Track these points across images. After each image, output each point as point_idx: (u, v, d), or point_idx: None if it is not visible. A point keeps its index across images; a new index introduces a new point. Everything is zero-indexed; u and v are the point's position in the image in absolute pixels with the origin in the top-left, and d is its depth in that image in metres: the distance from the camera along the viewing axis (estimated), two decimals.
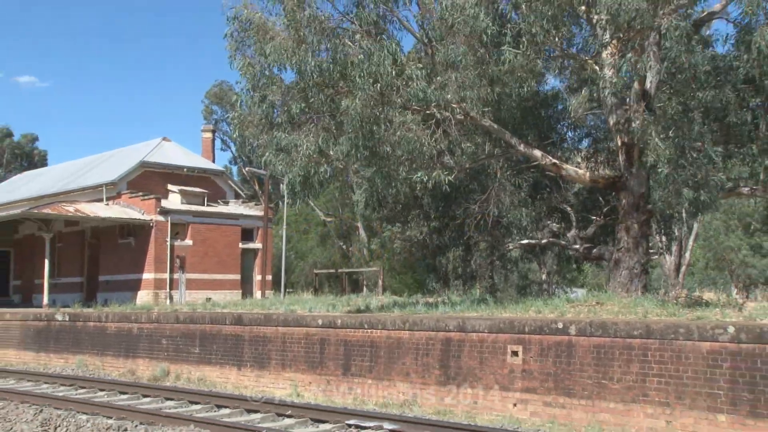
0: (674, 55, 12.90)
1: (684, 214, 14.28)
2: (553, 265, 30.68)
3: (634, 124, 14.54)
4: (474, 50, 14.89)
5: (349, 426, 11.80)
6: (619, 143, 16.70)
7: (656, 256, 31.85)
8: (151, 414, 12.77)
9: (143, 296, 31.54)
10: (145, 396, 15.68)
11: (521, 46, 15.12)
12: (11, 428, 10.63)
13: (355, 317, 15.60)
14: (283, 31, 15.44)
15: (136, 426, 10.98)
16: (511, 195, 19.25)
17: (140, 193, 33.22)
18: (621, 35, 14.41)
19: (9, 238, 37.52)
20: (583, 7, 15.16)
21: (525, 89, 15.94)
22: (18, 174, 57.07)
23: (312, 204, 46.87)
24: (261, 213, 35.43)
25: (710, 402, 10.61)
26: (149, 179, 34.97)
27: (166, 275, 32.17)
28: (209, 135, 42.97)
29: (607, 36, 15.23)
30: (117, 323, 21.43)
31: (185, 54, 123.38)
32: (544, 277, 31.14)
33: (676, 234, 32.03)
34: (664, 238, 30.79)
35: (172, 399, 15.15)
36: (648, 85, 15.09)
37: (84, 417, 11.88)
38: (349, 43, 15.39)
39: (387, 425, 11.51)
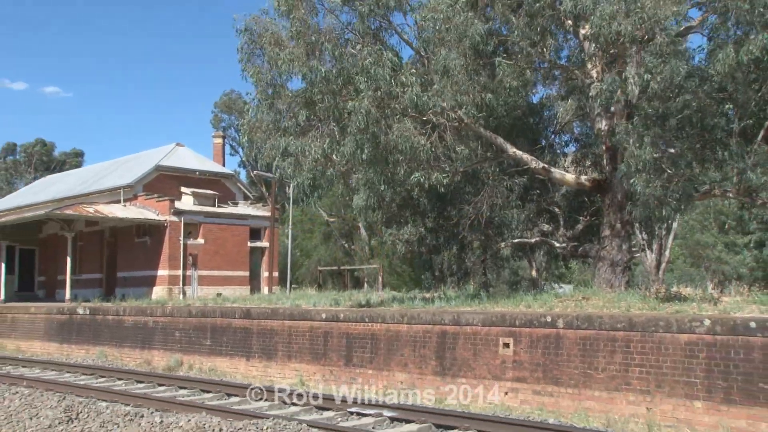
0: (652, 67, 12.99)
1: (662, 214, 14.28)
2: (542, 262, 30.64)
3: (617, 131, 14.57)
4: (466, 60, 14.90)
5: (351, 414, 11.83)
6: (604, 148, 16.75)
7: (638, 254, 31.89)
8: (166, 401, 12.81)
9: (158, 291, 31.54)
10: (160, 385, 15.71)
11: (512, 57, 15.16)
12: (37, 413, 10.65)
13: (356, 311, 15.61)
14: (291, 41, 15.40)
15: (152, 413, 10.99)
16: (503, 197, 19.28)
17: (155, 195, 33.22)
18: (605, 49, 14.46)
19: (34, 238, 37.57)
20: (570, 21, 15.19)
21: (515, 98, 15.95)
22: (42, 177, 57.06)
23: (316, 205, 46.84)
24: (268, 214, 35.41)
25: (687, 390, 10.64)
26: (164, 182, 34.96)
27: (180, 272, 32.16)
28: (219, 141, 43.00)
29: (593, 48, 15.26)
30: (134, 317, 21.44)
31: (197, 67, 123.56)
32: (533, 273, 31.09)
33: (657, 233, 32.04)
34: (645, 236, 30.86)
35: (185, 388, 15.17)
36: (630, 94, 15.12)
37: (104, 404, 11.89)
38: (353, 51, 15.38)
39: (386, 413, 11.52)
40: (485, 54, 15.50)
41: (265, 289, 34.44)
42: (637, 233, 26.79)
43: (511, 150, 16.90)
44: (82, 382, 16.21)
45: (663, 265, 36.14)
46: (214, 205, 34.66)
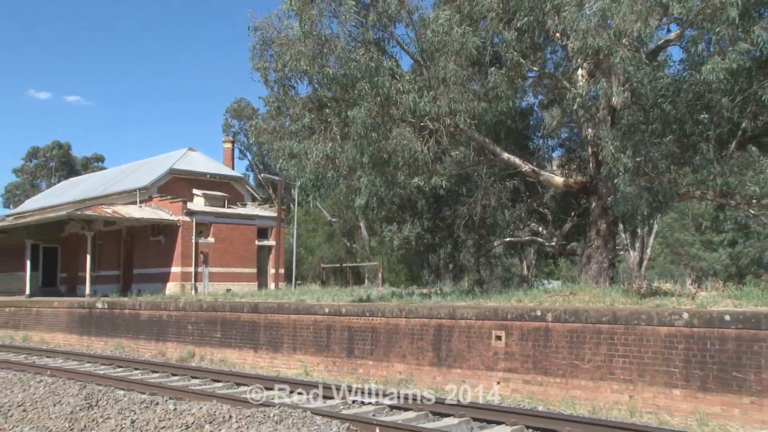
0: (632, 78, 13.05)
1: (644, 214, 14.30)
2: (532, 260, 30.72)
3: (602, 136, 14.59)
4: (462, 69, 14.91)
5: (354, 402, 11.84)
6: (590, 152, 16.75)
7: (622, 252, 31.92)
8: (179, 390, 12.84)
9: (171, 287, 31.55)
10: (173, 375, 15.72)
11: (503, 67, 15.17)
12: (60, 401, 10.66)
13: (357, 306, 15.62)
14: (299, 42, 15.21)
15: (166, 401, 10.98)
16: (495, 198, 19.28)
17: (169, 197, 33.26)
18: (589, 61, 14.49)
19: (57, 237, 37.64)
20: (558, 34, 15.20)
21: (507, 104, 15.94)
22: (64, 180, 57.03)
23: (319, 206, 46.86)
24: (274, 214, 35.45)
25: (667, 378, 10.67)
26: (177, 184, 34.98)
27: (192, 269, 32.18)
28: (229, 145, 42.96)
29: (579, 59, 15.27)
30: (149, 311, 21.45)
31: (209, 77, 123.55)
32: (524, 270, 31.15)
33: (639, 233, 32.08)
34: (629, 236, 30.88)
35: (197, 377, 15.20)
36: (614, 101, 15.14)
37: (121, 392, 11.89)
38: (356, 57, 15.33)
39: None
40: (480, 63, 15.51)
41: (271, 285, 34.46)
42: (621, 233, 26.80)
43: (503, 154, 16.91)
44: (101, 372, 16.22)
45: (645, 263, 36.22)
46: (223, 206, 34.66)
